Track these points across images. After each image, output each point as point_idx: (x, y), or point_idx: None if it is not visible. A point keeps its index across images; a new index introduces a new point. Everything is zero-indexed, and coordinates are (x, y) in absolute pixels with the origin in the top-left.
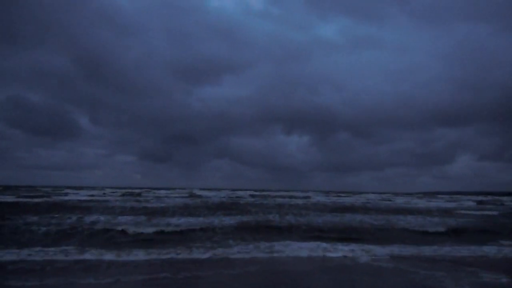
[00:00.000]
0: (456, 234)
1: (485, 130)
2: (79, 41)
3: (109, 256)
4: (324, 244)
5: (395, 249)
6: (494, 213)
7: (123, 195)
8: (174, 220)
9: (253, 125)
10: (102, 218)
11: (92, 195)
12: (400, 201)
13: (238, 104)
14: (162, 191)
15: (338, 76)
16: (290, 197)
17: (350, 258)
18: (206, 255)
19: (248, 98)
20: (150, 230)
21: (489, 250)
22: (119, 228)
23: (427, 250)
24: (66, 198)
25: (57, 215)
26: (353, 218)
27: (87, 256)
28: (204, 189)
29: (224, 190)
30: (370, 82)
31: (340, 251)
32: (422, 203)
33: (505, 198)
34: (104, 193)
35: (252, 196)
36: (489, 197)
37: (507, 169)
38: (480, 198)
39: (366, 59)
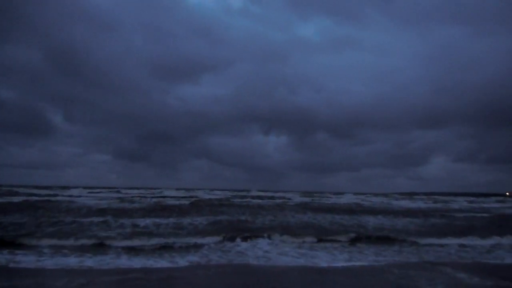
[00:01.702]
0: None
1: (461, 132)
2: (52, 35)
3: (80, 257)
4: (301, 245)
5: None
6: (472, 214)
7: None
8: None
9: (231, 124)
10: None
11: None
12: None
13: (216, 104)
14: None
15: (317, 76)
16: (262, 197)
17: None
18: (179, 255)
19: (227, 97)
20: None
21: (464, 249)
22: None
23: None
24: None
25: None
26: (331, 218)
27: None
28: (180, 189)
29: (202, 190)
30: (349, 83)
31: (316, 250)
32: (406, 203)
33: (480, 199)
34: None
35: (231, 196)
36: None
37: (482, 171)
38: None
39: (346, 60)
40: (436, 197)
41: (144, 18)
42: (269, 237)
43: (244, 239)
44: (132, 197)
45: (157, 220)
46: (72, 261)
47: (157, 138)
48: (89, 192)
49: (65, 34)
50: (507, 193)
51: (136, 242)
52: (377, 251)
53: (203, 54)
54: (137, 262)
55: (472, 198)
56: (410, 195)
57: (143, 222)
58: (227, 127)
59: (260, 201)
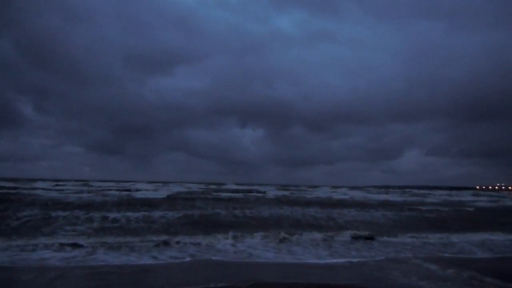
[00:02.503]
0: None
1: (434, 127)
2: (22, 24)
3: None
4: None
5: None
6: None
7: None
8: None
9: (207, 117)
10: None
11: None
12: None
13: (192, 96)
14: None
15: (294, 70)
16: (238, 191)
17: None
18: (151, 249)
19: (203, 90)
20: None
21: (437, 242)
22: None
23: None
24: None
25: None
26: (306, 212)
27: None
28: (154, 182)
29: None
30: (326, 77)
31: (291, 245)
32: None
33: (454, 193)
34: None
35: (203, 189)
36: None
37: (453, 164)
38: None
39: (322, 53)
40: (411, 190)
41: (119, 8)
42: (246, 232)
43: (218, 233)
44: (101, 190)
45: (128, 213)
46: (36, 257)
47: (131, 131)
48: (55, 185)
49: (36, 23)
50: (478, 187)
51: (104, 238)
52: (351, 245)
53: (179, 45)
54: (108, 257)
55: (446, 192)
56: (384, 188)
57: (112, 215)
58: (203, 120)
59: (235, 194)
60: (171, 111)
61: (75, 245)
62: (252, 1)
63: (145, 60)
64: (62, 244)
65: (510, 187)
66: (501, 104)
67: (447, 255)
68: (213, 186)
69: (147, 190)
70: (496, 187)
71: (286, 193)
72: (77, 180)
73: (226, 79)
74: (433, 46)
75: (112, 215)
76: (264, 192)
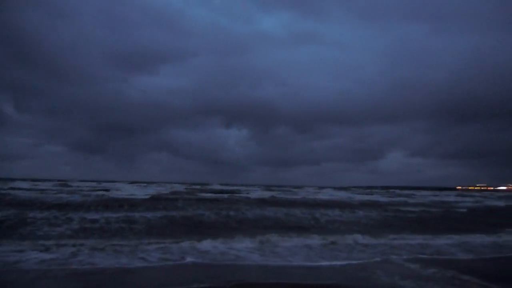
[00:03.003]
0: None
1: (417, 128)
2: (2, 19)
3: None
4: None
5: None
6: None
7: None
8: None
9: (192, 117)
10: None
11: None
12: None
13: (176, 95)
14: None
15: (279, 70)
16: (224, 191)
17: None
18: (133, 250)
19: (187, 89)
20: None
21: (420, 243)
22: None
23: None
24: None
25: None
26: (291, 212)
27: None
28: (138, 182)
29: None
30: (311, 78)
31: (275, 247)
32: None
33: (436, 193)
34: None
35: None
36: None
37: (435, 165)
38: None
39: (307, 54)
40: (394, 191)
41: (103, 5)
42: (230, 234)
43: (202, 234)
44: (81, 190)
45: (109, 214)
46: (13, 259)
47: (114, 130)
48: (34, 185)
49: (18, 18)
50: (459, 187)
51: (85, 239)
52: (335, 247)
53: (163, 44)
54: (89, 259)
55: (429, 192)
56: (368, 188)
57: (92, 216)
58: (187, 120)
59: (219, 195)
60: (155, 111)
61: (55, 246)
62: (238, 1)
63: (129, 58)
64: (40, 245)
65: (491, 188)
66: (482, 106)
67: (429, 256)
68: (197, 187)
69: (128, 190)
70: (477, 188)
71: (271, 193)
72: (58, 180)
73: (211, 79)
74: (416, 48)
75: (91, 215)
76: (248, 193)
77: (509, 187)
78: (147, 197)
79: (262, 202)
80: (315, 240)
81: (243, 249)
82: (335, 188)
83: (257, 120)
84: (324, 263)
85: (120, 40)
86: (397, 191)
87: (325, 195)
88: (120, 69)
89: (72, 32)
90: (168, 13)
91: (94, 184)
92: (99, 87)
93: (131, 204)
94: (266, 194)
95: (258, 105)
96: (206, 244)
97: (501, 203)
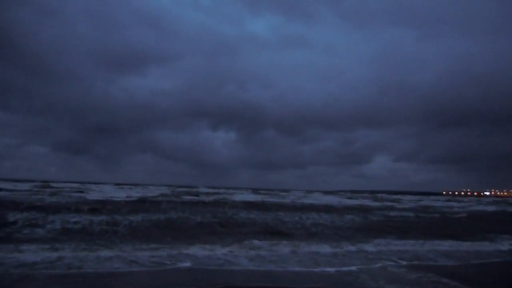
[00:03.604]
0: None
1: (403, 133)
2: None
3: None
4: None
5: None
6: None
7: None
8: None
9: (178, 119)
10: None
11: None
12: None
13: (163, 97)
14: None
15: (267, 73)
16: (206, 194)
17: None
18: (115, 254)
19: (174, 91)
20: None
21: (404, 248)
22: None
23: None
24: None
25: None
26: (278, 216)
27: None
28: (122, 184)
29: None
30: (299, 81)
31: (260, 251)
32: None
33: (423, 198)
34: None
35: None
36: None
37: (421, 170)
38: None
39: (296, 58)
40: (382, 195)
41: (90, 4)
42: (216, 238)
43: (186, 238)
44: (62, 191)
45: (91, 217)
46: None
47: (100, 131)
48: (14, 186)
49: (1, 16)
50: (444, 192)
51: (67, 242)
52: (321, 251)
53: (151, 45)
54: (71, 262)
55: (415, 197)
56: (353, 193)
57: (74, 219)
58: (174, 122)
59: (205, 198)
60: (141, 112)
61: (36, 249)
62: (227, 3)
63: (115, 58)
64: (14, 248)
65: (475, 193)
66: (468, 111)
67: (415, 261)
68: (183, 189)
69: (112, 192)
70: (462, 193)
71: (258, 197)
72: (42, 181)
73: (198, 81)
74: (403, 53)
75: (73, 218)
76: (235, 196)
77: (494, 193)
78: (132, 199)
79: (249, 205)
80: (302, 245)
81: (228, 253)
82: (324, 193)
83: (244, 122)
84: (311, 268)
85: (107, 40)
86: (384, 195)
87: (313, 199)
88: (107, 70)
89: (58, 31)
90: (156, 14)
91: (77, 185)
92: (85, 87)
93: (115, 206)
94: (253, 197)
95: (245, 107)
96: (192, 248)
97: (492, 208)
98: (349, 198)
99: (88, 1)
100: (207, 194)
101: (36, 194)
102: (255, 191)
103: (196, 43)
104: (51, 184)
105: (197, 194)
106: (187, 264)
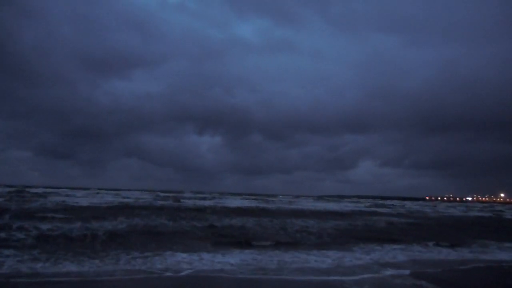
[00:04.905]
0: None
1: (388, 138)
2: None
3: None
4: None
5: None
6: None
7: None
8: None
9: (164, 123)
10: None
11: None
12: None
13: (149, 101)
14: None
15: (254, 77)
16: (193, 199)
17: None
18: (96, 261)
19: (160, 95)
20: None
21: (390, 252)
22: None
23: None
24: None
25: None
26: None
27: None
28: (106, 189)
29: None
30: (285, 85)
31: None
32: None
33: (407, 203)
34: None
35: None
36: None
37: (405, 175)
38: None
39: (282, 62)
40: (367, 200)
41: (74, 7)
42: (201, 244)
43: (171, 244)
44: (40, 197)
45: (71, 223)
46: None
47: (83, 135)
48: None
49: None
50: (427, 197)
51: (46, 249)
52: (310, 257)
53: (136, 48)
54: (51, 269)
55: (399, 202)
56: (338, 198)
57: (53, 225)
58: (159, 126)
59: (191, 202)
60: (126, 116)
61: (13, 256)
62: (213, 6)
63: (99, 62)
64: None
65: (458, 198)
66: (452, 117)
67: (401, 266)
68: (168, 194)
69: (94, 198)
70: (445, 198)
71: (245, 202)
72: (25, 186)
73: (184, 85)
74: (390, 59)
75: (52, 224)
76: (222, 201)
77: (476, 198)
78: (115, 204)
79: (235, 211)
80: (290, 251)
81: (214, 259)
82: (314, 198)
83: (230, 127)
84: (297, 276)
85: (92, 43)
86: (369, 200)
87: (298, 205)
88: (91, 73)
89: (41, 33)
90: (141, 16)
91: (58, 190)
92: (68, 91)
93: (97, 212)
94: (240, 202)
95: (231, 111)
96: (176, 255)
97: (473, 213)
98: (355, 202)
99: (72, 3)
100: (193, 199)
101: (22, 199)
102: (244, 197)
103: (182, 47)
104: (30, 190)
105: (178, 200)
106: (170, 272)
